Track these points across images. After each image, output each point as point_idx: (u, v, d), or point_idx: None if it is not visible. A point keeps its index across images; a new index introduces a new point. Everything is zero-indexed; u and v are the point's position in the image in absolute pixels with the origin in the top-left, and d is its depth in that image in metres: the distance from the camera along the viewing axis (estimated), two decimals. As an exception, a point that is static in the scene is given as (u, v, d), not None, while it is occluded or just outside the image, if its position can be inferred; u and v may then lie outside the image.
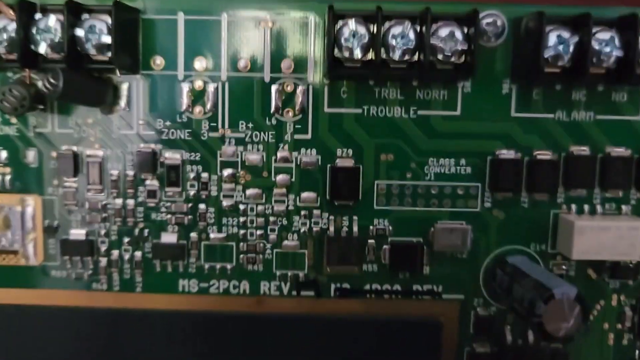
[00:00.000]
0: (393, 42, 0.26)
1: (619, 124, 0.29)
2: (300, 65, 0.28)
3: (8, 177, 0.30)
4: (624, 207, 0.29)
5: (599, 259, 0.28)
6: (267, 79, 0.29)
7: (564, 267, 0.30)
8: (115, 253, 0.30)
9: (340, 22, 0.26)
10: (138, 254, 0.30)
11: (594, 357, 0.30)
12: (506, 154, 0.29)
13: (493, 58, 0.28)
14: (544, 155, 0.29)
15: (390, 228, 0.29)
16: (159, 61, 0.29)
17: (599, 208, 0.29)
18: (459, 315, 0.30)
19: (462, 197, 0.29)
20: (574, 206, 0.29)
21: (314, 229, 0.29)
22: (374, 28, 0.26)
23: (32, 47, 0.26)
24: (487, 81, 0.28)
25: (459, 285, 0.30)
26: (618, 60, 0.26)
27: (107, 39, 0.26)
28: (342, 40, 0.26)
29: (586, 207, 0.29)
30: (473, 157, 0.29)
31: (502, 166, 0.29)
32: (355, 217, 0.29)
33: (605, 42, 0.26)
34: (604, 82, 0.27)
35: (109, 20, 0.26)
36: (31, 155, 0.29)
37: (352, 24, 0.26)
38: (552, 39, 0.26)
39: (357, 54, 0.26)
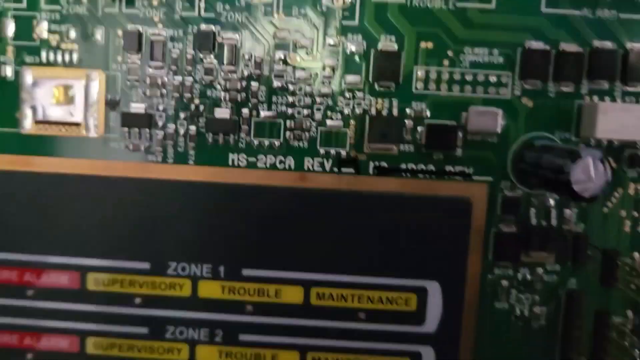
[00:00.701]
0: None
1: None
2: (351, -44, 0.31)
3: (75, 54, 0.32)
4: (643, 100, 0.32)
5: (621, 138, 0.30)
6: (320, -31, 0.31)
7: (586, 154, 0.32)
8: (171, 127, 0.32)
9: None
10: (193, 128, 0.32)
11: (611, 242, 0.32)
12: (535, 45, 0.31)
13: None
14: (571, 47, 0.31)
15: (427, 111, 0.32)
16: (222, -51, 0.31)
17: (619, 101, 0.32)
18: (488, 196, 0.32)
19: (494, 84, 0.32)
20: (596, 97, 0.32)
21: (357, 110, 0.32)
22: None
23: None
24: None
25: (489, 167, 0.32)
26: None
27: None
28: None
29: (607, 98, 0.32)
30: (505, 48, 0.31)
31: (531, 56, 0.31)
32: (395, 100, 0.32)
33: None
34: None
35: None
36: (99, 33, 0.32)
37: None
38: None
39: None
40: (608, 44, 0.31)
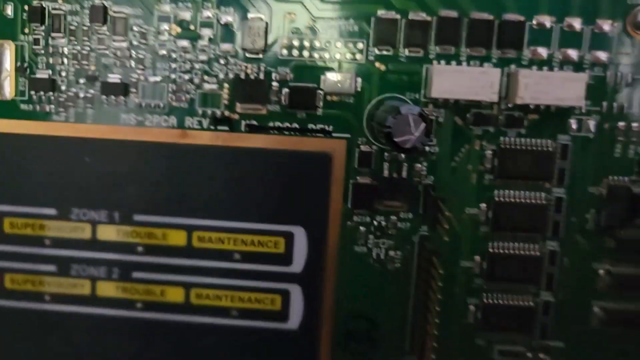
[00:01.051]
0: None
1: (482, -7, 0.35)
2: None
3: (-10, 27, 0.37)
4: (486, 64, 0.35)
5: (454, 97, 0.34)
6: (195, -51, 0.36)
7: (434, 114, 0.36)
8: (72, 90, 0.37)
9: None
10: (91, 91, 0.37)
11: (460, 193, 0.36)
12: (386, 14, 0.35)
13: None
14: (418, 16, 0.35)
15: (292, 75, 0.36)
16: None
17: (464, 64, 0.35)
18: (346, 151, 0.36)
19: (350, 51, 0.35)
20: (443, 62, 0.35)
21: (230, 74, 0.36)
22: None
23: None
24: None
25: (347, 126, 0.36)
26: None
27: None
28: None
29: (453, 62, 0.35)
30: (359, 19, 0.35)
31: (381, 24, 0.35)
32: (262, 65, 0.36)
33: None
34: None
35: None
36: (9, 9, 0.37)
37: None
38: None
39: None
40: (453, 13, 0.35)
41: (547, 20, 0.34)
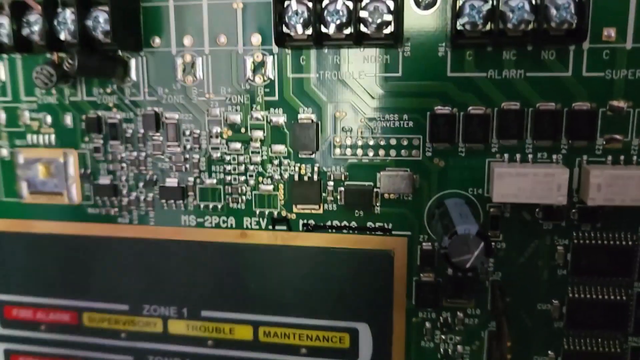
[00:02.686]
0: (328, 18, 0.31)
1: (548, 80, 0.32)
2: (266, 38, 0.34)
3: (53, 136, 0.38)
4: (554, 155, 0.32)
5: (517, 201, 0.31)
6: (240, 51, 0.34)
7: (500, 209, 0.34)
8: (133, 194, 0.38)
9: (286, 2, 0.31)
10: (150, 195, 0.37)
11: (530, 290, 0.34)
12: (442, 109, 0.33)
13: (427, 24, 0.32)
14: (477, 110, 0.32)
15: (346, 174, 0.35)
16: (157, 40, 0.35)
17: (530, 157, 0.33)
18: (407, 249, 0.35)
19: (406, 147, 0.34)
20: (506, 155, 0.33)
21: (284, 175, 0.35)
22: (315, 6, 0.31)
23: (56, 34, 0.34)
24: (424, 46, 0.32)
25: (407, 223, 0.35)
26: (530, 23, 0.29)
27: (107, 28, 0.33)
28: (286, 18, 0.31)
29: (518, 155, 0.33)
30: (415, 113, 0.33)
31: (438, 120, 0.33)
32: (316, 165, 0.35)
33: (517, 7, 0.29)
34: (521, 43, 0.31)
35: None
36: (68, 119, 0.38)
37: (294, 3, 0.31)
38: (466, 8, 0.30)
39: (298, 29, 0.31)
40: (516, 104, 0.32)
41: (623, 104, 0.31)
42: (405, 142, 0.34)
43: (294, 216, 0.36)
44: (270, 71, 0.34)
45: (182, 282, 0.38)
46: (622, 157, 0.32)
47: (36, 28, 0.34)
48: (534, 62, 0.32)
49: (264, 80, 0.34)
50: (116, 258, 0.38)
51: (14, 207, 0.40)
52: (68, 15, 0.33)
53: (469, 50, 0.32)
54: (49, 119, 0.38)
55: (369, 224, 0.35)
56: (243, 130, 0.35)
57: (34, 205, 0.39)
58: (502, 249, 0.34)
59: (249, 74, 0.34)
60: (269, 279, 0.36)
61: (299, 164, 0.35)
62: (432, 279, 0.35)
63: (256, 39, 0.34)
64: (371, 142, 0.34)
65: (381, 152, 0.34)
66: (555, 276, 0.34)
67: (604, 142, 0.32)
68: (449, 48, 0.32)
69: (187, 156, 0.36)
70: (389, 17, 0.30)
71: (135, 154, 0.37)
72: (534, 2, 0.29)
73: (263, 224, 0.36)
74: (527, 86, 0.32)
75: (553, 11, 0.29)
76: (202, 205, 0.37)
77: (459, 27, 0.30)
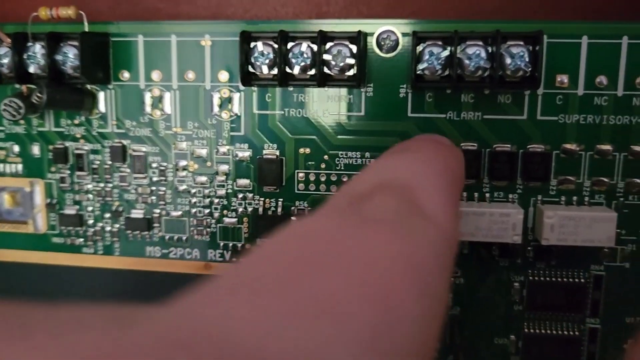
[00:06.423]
0: (293, 60, 0.32)
1: (504, 123, 0.33)
2: (233, 75, 0.35)
3: (20, 166, 0.38)
4: (510, 195, 0.34)
5: (474, 240, 0.32)
6: (208, 87, 0.35)
7: (458, 246, 0.34)
8: (98, 225, 0.38)
9: (252, 43, 0.32)
10: (116, 225, 0.38)
11: (487, 325, 0.35)
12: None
13: (389, 67, 0.33)
14: (437, 149, 0.33)
15: (309, 208, 0.35)
16: (126, 74, 0.36)
17: (487, 196, 0.34)
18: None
19: (368, 184, 0.34)
20: (464, 194, 0.34)
21: (249, 208, 0.36)
22: (280, 48, 0.32)
23: (26, 68, 0.34)
24: (386, 87, 0.33)
25: (368, 258, 0.35)
26: (486, 70, 0.31)
27: (77, 62, 0.33)
28: (252, 59, 0.32)
29: (476, 194, 0.34)
30: (376, 151, 0.34)
31: (399, 159, 0.34)
32: (280, 199, 0.36)
33: (474, 55, 0.30)
34: (479, 87, 0.32)
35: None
36: (35, 149, 0.38)
37: (260, 45, 0.32)
38: (425, 54, 0.31)
39: (264, 69, 0.32)
40: (474, 145, 0.33)
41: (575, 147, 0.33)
42: (367, 179, 0.34)
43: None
44: (237, 107, 0.35)
45: (146, 312, 0.38)
46: (574, 198, 0.33)
47: (5, 61, 0.34)
48: (491, 105, 0.33)
49: (230, 116, 0.35)
50: (80, 288, 0.38)
51: (-22, 236, 0.40)
52: (38, 49, 0.34)
53: (429, 92, 0.33)
54: (16, 148, 0.38)
55: (332, 258, 0.36)
56: (209, 164, 0.36)
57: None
58: (461, 284, 0.35)
59: (216, 109, 0.35)
60: (233, 311, 0.37)
61: (263, 198, 0.36)
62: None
63: (224, 76, 0.35)
64: (334, 178, 0.35)
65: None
66: (512, 311, 0.35)
67: (557, 184, 0.33)
68: (410, 90, 0.33)
69: (154, 188, 0.37)
70: (351, 61, 0.31)
71: (102, 184, 0.37)
72: (490, 50, 0.30)
73: (227, 256, 0.37)
74: (484, 128, 0.33)
75: (508, 60, 0.30)
76: (167, 237, 0.37)
77: (418, 72, 0.31)
